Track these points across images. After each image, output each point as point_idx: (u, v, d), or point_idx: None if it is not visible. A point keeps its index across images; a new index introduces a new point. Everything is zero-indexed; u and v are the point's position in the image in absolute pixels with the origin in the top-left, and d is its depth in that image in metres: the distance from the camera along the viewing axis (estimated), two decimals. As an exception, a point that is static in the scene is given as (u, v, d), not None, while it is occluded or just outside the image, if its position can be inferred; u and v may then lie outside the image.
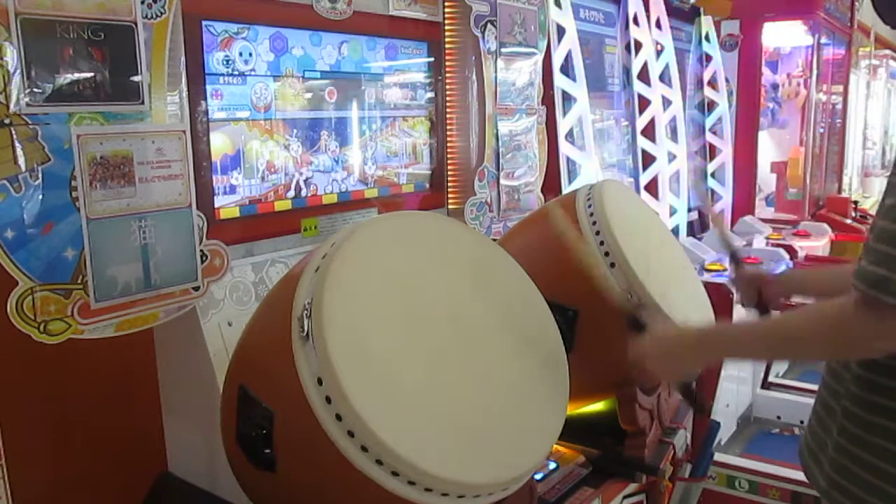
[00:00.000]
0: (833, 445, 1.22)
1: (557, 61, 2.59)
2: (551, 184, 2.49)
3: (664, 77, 3.40)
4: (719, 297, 2.67)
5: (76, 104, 1.21)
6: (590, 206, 1.68)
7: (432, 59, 2.05)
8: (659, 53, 3.36)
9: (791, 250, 3.68)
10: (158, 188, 1.33)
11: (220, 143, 1.56)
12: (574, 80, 2.68)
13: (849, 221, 4.91)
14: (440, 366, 1.16)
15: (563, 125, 2.62)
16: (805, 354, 1.17)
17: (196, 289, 1.41)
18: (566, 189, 2.62)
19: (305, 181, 1.75)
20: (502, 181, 2.23)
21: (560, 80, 2.60)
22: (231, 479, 1.25)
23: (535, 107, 2.36)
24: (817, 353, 1.17)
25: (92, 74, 1.22)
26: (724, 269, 3.16)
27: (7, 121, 1.13)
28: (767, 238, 4.02)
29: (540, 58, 2.35)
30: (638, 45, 3.18)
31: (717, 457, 2.72)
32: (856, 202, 5.39)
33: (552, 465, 1.67)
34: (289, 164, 1.71)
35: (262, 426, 1.11)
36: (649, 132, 3.26)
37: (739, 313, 2.87)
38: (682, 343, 1.28)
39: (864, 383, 1.16)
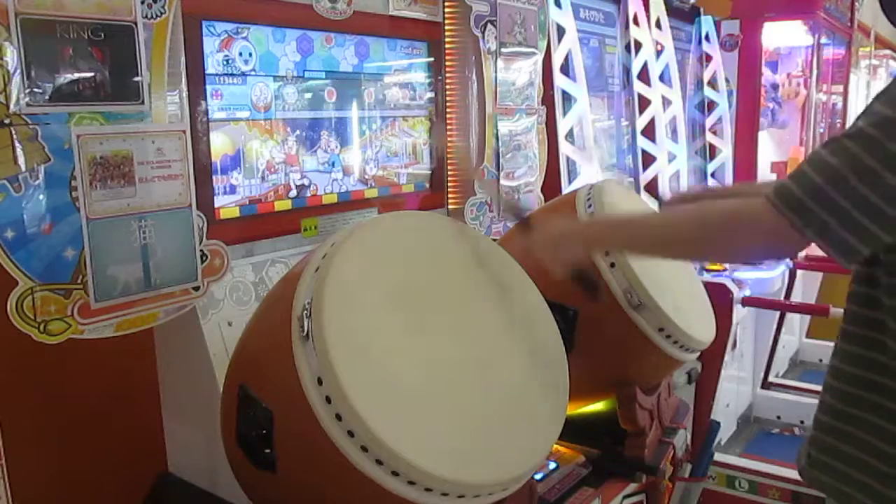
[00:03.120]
0: (815, 422, 1.24)
1: (557, 61, 2.58)
2: (551, 184, 2.49)
3: (664, 77, 3.39)
4: (719, 297, 2.67)
5: (76, 104, 1.21)
6: (590, 207, 1.68)
7: (432, 59, 2.05)
8: (659, 53, 3.36)
9: (791, 250, 3.66)
10: (158, 188, 1.33)
11: (220, 143, 1.56)
12: (574, 80, 2.67)
13: (849, 221, 4.88)
14: (440, 365, 1.16)
15: (563, 125, 2.62)
16: (699, 245, 1.14)
17: (196, 289, 1.41)
18: (566, 189, 2.62)
19: (305, 181, 1.75)
20: (502, 181, 2.23)
21: (560, 80, 2.60)
22: (231, 479, 1.25)
23: (535, 107, 2.36)
24: (711, 244, 1.15)
25: (92, 74, 1.22)
26: (724, 269, 3.16)
27: (7, 121, 1.13)
28: (767, 238, 4.01)
29: (540, 58, 2.35)
30: (638, 45, 3.18)
31: (717, 457, 2.72)
32: (856, 202, 5.37)
33: (552, 465, 1.67)
34: (289, 163, 1.71)
35: (262, 426, 1.11)
36: (649, 132, 3.26)
37: (740, 313, 2.88)
38: (570, 232, 1.33)
39: (844, 354, 1.18)
